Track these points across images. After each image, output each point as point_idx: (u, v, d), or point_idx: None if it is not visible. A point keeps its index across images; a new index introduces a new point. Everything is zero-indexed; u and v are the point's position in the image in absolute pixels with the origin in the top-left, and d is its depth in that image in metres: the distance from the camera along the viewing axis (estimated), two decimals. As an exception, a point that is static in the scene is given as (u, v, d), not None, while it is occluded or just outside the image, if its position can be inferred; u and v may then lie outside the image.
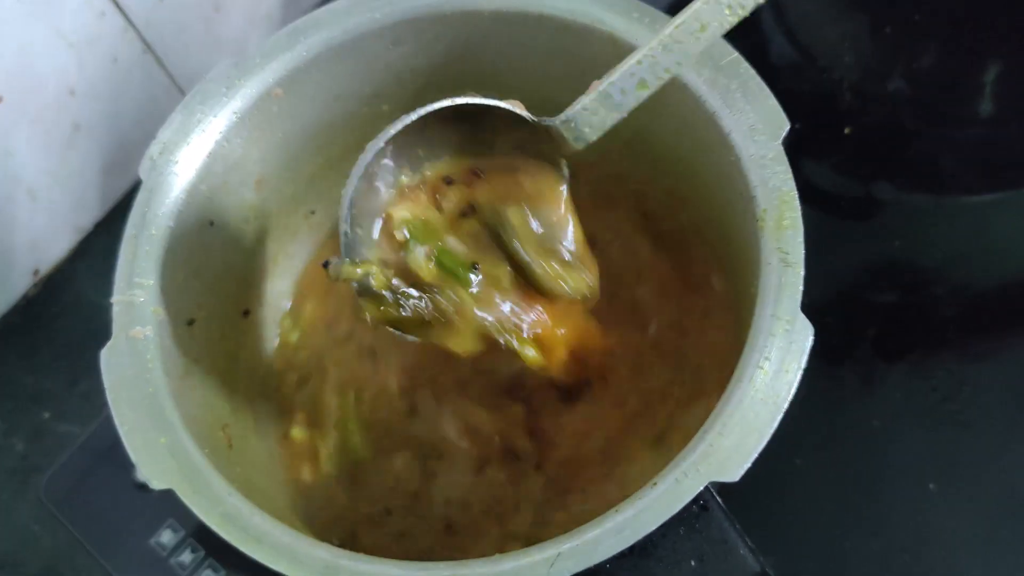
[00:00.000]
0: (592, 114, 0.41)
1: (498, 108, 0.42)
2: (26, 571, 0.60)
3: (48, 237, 0.68)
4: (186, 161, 0.44)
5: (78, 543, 0.53)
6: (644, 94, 0.40)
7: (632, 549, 0.35)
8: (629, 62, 0.40)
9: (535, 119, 0.42)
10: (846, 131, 0.65)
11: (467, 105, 0.42)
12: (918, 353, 0.58)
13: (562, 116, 0.42)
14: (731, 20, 0.39)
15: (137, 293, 0.41)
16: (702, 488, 0.34)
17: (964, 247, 0.61)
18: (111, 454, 0.53)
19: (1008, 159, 0.66)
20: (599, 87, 0.41)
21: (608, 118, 0.41)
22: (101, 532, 0.53)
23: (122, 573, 0.52)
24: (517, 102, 0.43)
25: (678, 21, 0.39)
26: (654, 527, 0.33)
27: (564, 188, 0.44)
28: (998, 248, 0.61)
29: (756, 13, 0.64)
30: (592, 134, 0.42)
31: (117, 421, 0.39)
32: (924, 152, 0.66)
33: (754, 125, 0.41)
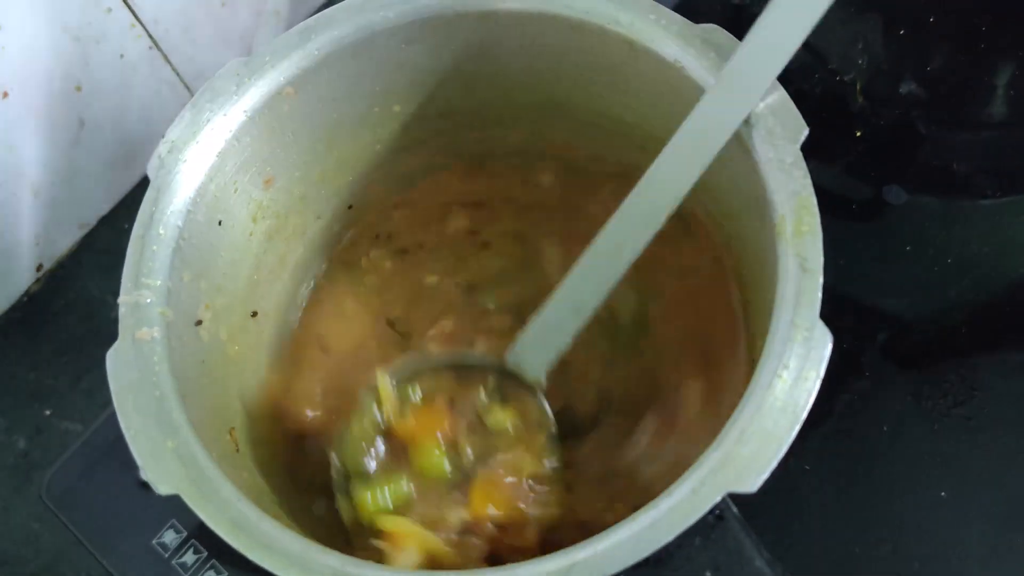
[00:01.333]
0: (530, 353, 0.45)
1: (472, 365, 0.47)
2: (26, 570, 0.60)
3: (51, 233, 0.68)
4: (195, 160, 0.44)
5: (79, 542, 0.53)
6: (580, 322, 0.43)
7: (647, 559, 0.35)
8: (555, 293, 0.44)
9: (492, 364, 0.47)
10: (857, 133, 0.65)
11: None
12: (929, 358, 0.58)
13: (512, 351, 0.46)
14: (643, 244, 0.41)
15: (144, 293, 0.41)
16: (719, 499, 0.34)
17: (976, 251, 0.61)
18: (113, 452, 0.53)
19: (1021, 162, 0.65)
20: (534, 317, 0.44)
21: (547, 354, 0.45)
22: (102, 531, 0.52)
23: (123, 573, 0.52)
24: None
25: (605, 235, 0.42)
26: (670, 538, 0.33)
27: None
28: (1011, 252, 0.61)
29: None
30: (540, 372, 0.45)
31: (123, 425, 0.38)
32: (936, 155, 0.65)
33: (772, 129, 0.40)
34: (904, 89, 0.67)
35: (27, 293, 0.68)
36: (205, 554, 0.51)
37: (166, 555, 0.51)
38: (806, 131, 0.39)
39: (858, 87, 0.67)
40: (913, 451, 0.55)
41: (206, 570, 0.51)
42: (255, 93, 0.45)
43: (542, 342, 0.45)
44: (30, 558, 0.60)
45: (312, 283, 0.56)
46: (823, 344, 0.36)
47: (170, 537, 0.52)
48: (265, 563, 0.35)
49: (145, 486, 0.53)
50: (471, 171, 0.57)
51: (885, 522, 0.53)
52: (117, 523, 0.52)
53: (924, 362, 0.58)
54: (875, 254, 0.61)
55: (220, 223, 0.45)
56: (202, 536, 0.52)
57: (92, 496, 0.53)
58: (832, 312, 0.57)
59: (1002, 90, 0.68)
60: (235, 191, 0.46)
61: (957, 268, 0.60)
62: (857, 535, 0.53)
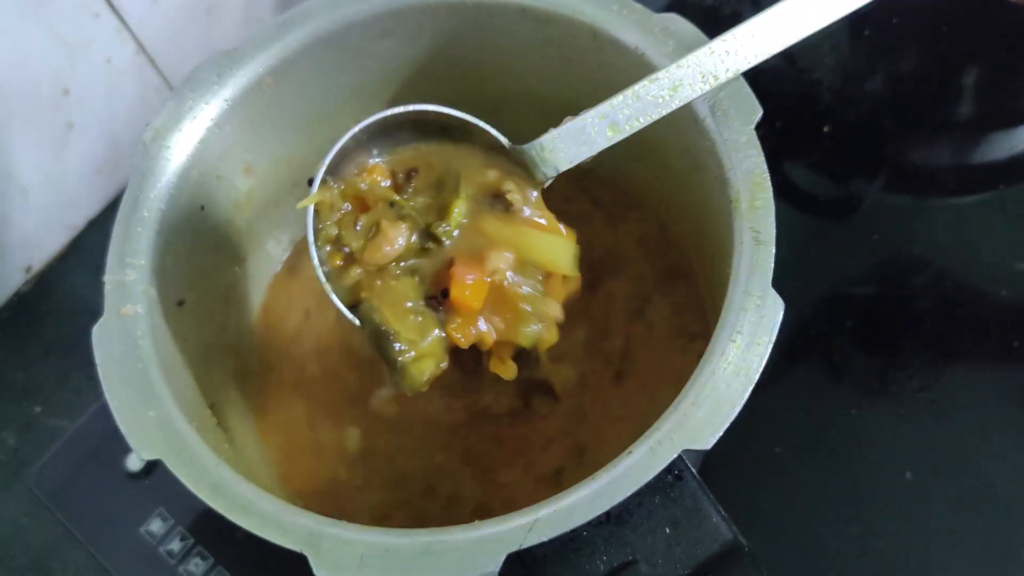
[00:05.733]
0: (562, 145, 0.43)
1: (477, 127, 0.44)
2: (16, 563, 0.61)
3: (41, 234, 0.69)
4: (177, 147, 0.45)
5: (68, 534, 0.54)
6: (614, 137, 0.42)
7: (608, 517, 0.36)
8: (601, 105, 0.42)
9: (509, 144, 0.44)
10: (825, 129, 0.67)
11: (451, 117, 0.44)
12: (895, 344, 0.59)
13: (535, 142, 0.43)
14: (703, 87, 0.41)
15: (128, 272, 0.42)
16: (675, 456, 0.35)
17: (940, 241, 0.62)
18: (101, 445, 0.54)
19: (986, 161, 0.67)
20: (570, 121, 0.43)
21: (578, 153, 0.43)
22: (91, 522, 0.54)
23: (112, 562, 0.53)
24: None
25: (654, 76, 0.41)
26: (628, 494, 0.34)
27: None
28: (973, 242, 0.62)
29: (739, 16, 0.66)
30: (561, 165, 0.43)
31: (108, 395, 0.39)
32: (902, 152, 0.67)
33: (728, 111, 0.42)
34: (870, 87, 0.69)
35: (17, 294, 0.69)
36: (192, 540, 0.52)
37: (153, 543, 0.53)
38: (760, 113, 0.41)
39: (825, 85, 0.69)
40: (880, 433, 0.56)
41: (192, 556, 0.52)
42: (235, 83, 0.46)
43: (570, 143, 0.43)
44: (19, 553, 0.61)
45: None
46: (775, 311, 0.37)
47: (156, 525, 0.53)
48: (243, 523, 0.36)
49: (132, 476, 0.54)
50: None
51: (852, 502, 0.54)
52: (105, 513, 0.53)
53: (890, 347, 0.59)
54: (842, 244, 0.63)
55: (202, 208, 0.47)
56: (188, 523, 0.53)
57: (80, 488, 0.54)
58: (801, 300, 0.59)
59: (969, 91, 0.70)
60: (217, 178, 0.48)
61: (921, 257, 0.62)
62: (825, 514, 0.54)
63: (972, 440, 0.56)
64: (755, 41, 0.41)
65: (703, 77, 0.40)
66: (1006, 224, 0.63)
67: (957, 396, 0.57)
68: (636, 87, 0.41)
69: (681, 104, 0.41)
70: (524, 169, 0.44)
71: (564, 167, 0.43)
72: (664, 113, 0.41)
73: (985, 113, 0.69)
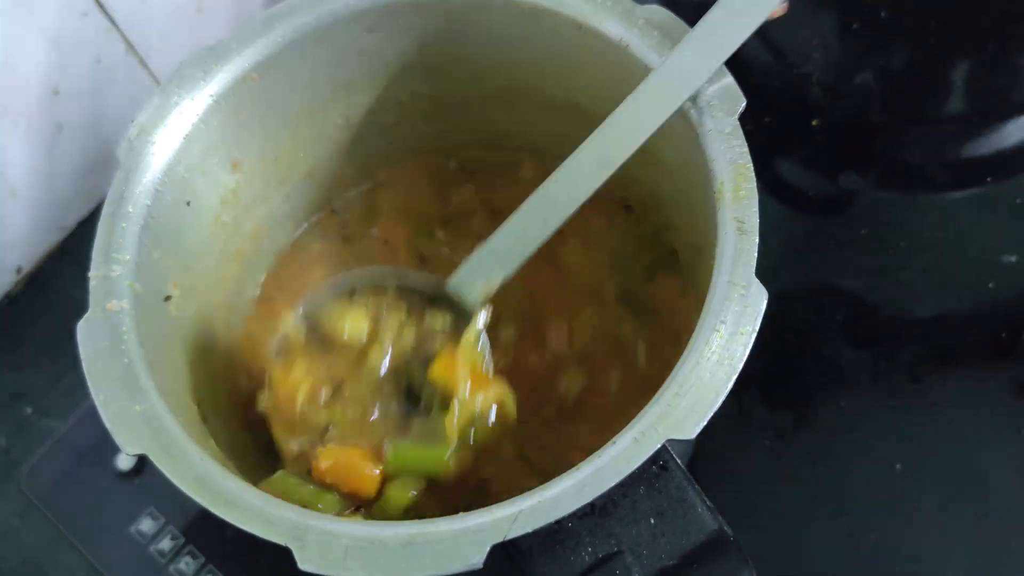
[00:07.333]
0: (475, 274, 0.45)
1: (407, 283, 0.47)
2: (7, 564, 0.61)
3: (31, 235, 0.69)
4: (163, 142, 0.45)
5: (59, 534, 0.54)
6: (528, 251, 0.44)
7: (593, 508, 0.36)
8: (502, 226, 0.44)
9: (430, 290, 0.46)
10: (814, 123, 0.67)
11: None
12: (885, 337, 0.60)
13: (450, 282, 0.45)
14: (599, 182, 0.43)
15: (114, 268, 0.42)
16: (659, 446, 0.35)
17: (928, 236, 0.62)
18: (91, 446, 0.54)
19: (975, 155, 0.67)
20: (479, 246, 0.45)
21: (495, 275, 0.45)
22: (81, 522, 0.53)
23: (103, 562, 0.53)
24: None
25: (557, 176, 0.43)
26: (613, 484, 0.34)
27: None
28: (962, 236, 0.62)
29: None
30: (484, 290, 0.45)
31: (92, 390, 0.39)
32: (891, 146, 0.67)
33: (711, 102, 0.42)
34: (859, 82, 0.69)
35: (7, 296, 0.69)
36: (182, 540, 0.52)
37: (144, 542, 0.52)
38: (743, 103, 0.41)
39: (814, 79, 0.69)
40: (869, 426, 0.57)
41: (183, 555, 0.52)
42: (221, 78, 0.46)
43: (485, 269, 0.45)
44: (10, 554, 0.61)
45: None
46: (759, 300, 0.37)
47: (147, 524, 0.53)
48: (229, 517, 0.36)
49: (121, 476, 0.54)
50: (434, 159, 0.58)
51: (841, 494, 0.55)
52: (95, 513, 0.53)
53: (880, 341, 0.59)
54: (832, 238, 0.63)
55: (189, 204, 0.47)
56: (179, 523, 0.53)
57: (70, 488, 0.54)
58: (791, 293, 0.59)
59: (958, 85, 0.70)
60: (203, 174, 0.48)
61: (910, 251, 0.62)
62: (815, 507, 0.55)
63: (962, 431, 0.56)
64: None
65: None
66: (994, 218, 0.63)
67: (946, 387, 0.57)
68: (538, 192, 0.44)
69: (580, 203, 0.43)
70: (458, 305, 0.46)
71: (480, 300, 0.45)
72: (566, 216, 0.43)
73: (974, 108, 0.69)
